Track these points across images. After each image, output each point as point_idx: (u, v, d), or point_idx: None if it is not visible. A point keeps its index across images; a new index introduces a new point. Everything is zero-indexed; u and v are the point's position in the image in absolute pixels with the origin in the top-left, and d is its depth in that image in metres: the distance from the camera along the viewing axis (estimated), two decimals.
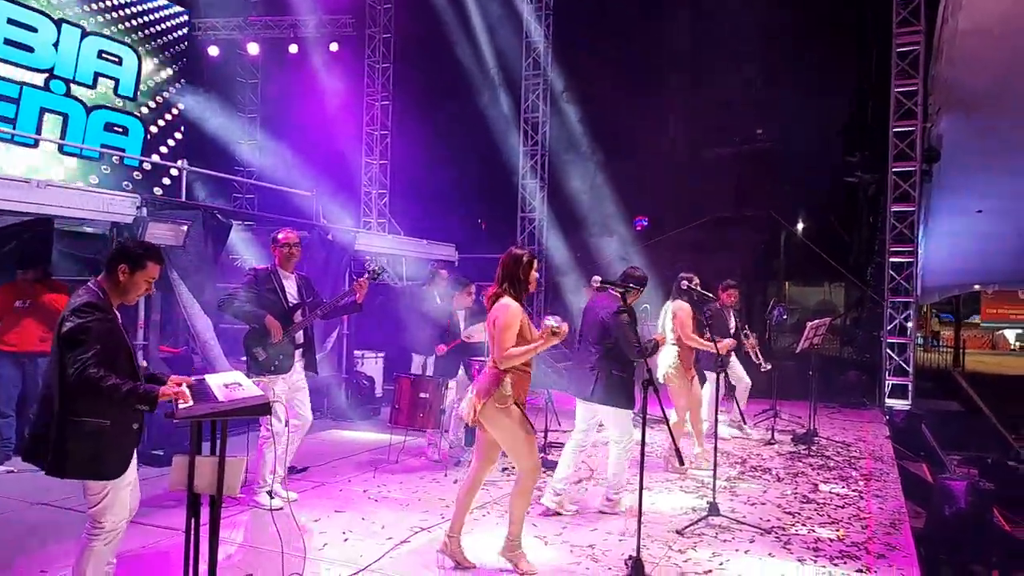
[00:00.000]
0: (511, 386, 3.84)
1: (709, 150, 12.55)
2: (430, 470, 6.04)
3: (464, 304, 6.51)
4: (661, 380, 6.18)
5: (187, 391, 3.15)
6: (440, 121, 14.09)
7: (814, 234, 14.06)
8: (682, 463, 4.29)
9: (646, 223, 15.25)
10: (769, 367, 7.80)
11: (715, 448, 5.19)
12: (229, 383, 3.42)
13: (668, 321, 6.17)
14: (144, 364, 5.32)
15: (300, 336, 5.05)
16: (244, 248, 8.51)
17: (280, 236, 5.03)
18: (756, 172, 12.69)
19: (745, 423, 7.70)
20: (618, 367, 4.77)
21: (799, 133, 12.85)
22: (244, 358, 5.05)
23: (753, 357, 7.64)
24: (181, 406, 3.05)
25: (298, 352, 5.04)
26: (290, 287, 5.06)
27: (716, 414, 5.58)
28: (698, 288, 5.61)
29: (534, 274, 3.97)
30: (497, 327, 3.82)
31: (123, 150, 11.07)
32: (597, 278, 4.37)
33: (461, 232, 12.64)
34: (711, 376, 7.54)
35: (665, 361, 6.23)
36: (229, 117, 12.95)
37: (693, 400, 6.29)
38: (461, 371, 6.47)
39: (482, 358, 6.22)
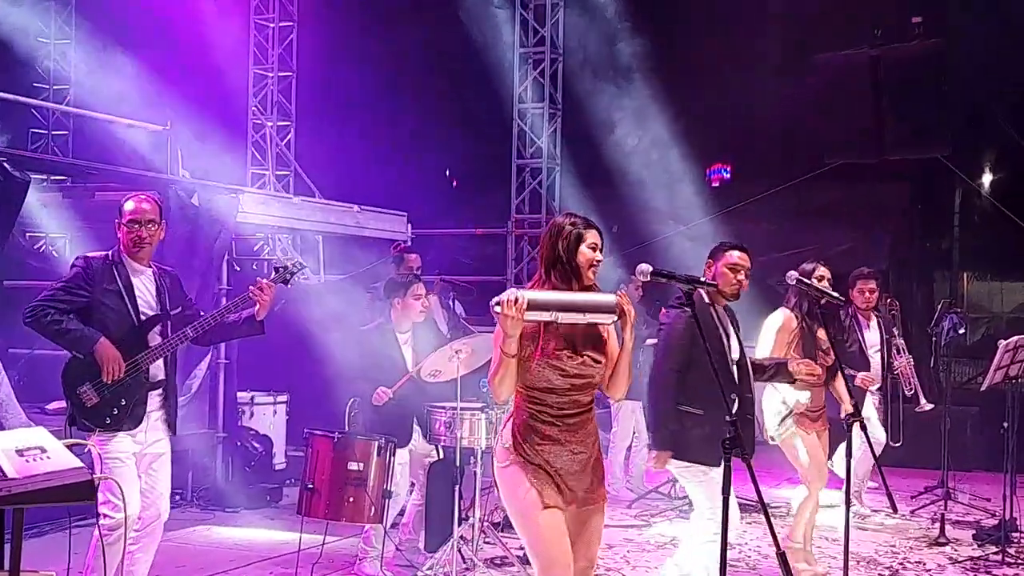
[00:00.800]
0: (514, 434, 3.91)
1: (829, 55, 12.57)
2: None
3: (406, 319, 6.45)
4: (773, 438, 6.20)
5: None
6: (381, 5, 14.10)
7: (1009, 192, 14.11)
8: (790, 574, 4.27)
9: (727, 176, 15.29)
10: (930, 407, 7.85)
11: (846, 549, 5.20)
12: (25, 448, 3.41)
13: (769, 340, 6.17)
14: None
15: (159, 369, 5.04)
16: (53, 220, 8.51)
17: (130, 205, 5.02)
18: (910, 91, 12.71)
19: (861, 502, 7.79)
20: (681, 399, 4.95)
21: (984, 25, 12.89)
22: (57, 404, 5.03)
23: (905, 388, 7.68)
24: None
25: (154, 396, 5.03)
26: (144, 288, 5.06)
27: (849, 490, 5.57)
28: (821, 285, 5.62)
29: (587, 252, 3.98)
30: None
31: None
32: (646, 267, 4.35)
33: (417, 193, 12.65)
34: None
35: (774, 408, 6.22)
36: (17, 2, 12.91)
37: (822, 466, 6.30)
38: (417, 432, 6.45)
39: (450, 405, 6.22)
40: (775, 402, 6.17)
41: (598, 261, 4.01)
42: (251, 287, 5.10)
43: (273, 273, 5.26)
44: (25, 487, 3.13)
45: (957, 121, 12.25)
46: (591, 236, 4.00)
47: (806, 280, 5.68)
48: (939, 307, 9.28)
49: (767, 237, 12.45)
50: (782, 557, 3.95)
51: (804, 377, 5.49)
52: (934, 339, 9.28)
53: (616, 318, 3.86)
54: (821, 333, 6.05)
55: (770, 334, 6.09)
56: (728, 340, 5.12)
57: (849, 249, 12.35)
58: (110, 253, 5.03)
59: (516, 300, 3.68)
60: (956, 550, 7.30)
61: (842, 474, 7.73)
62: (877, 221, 13.72)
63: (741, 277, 5.17)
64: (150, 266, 5.09)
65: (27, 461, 3.29)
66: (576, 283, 3.94)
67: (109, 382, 4.81)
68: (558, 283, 3.94)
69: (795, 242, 12.14)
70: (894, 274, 12.94)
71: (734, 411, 4.86)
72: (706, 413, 4.95)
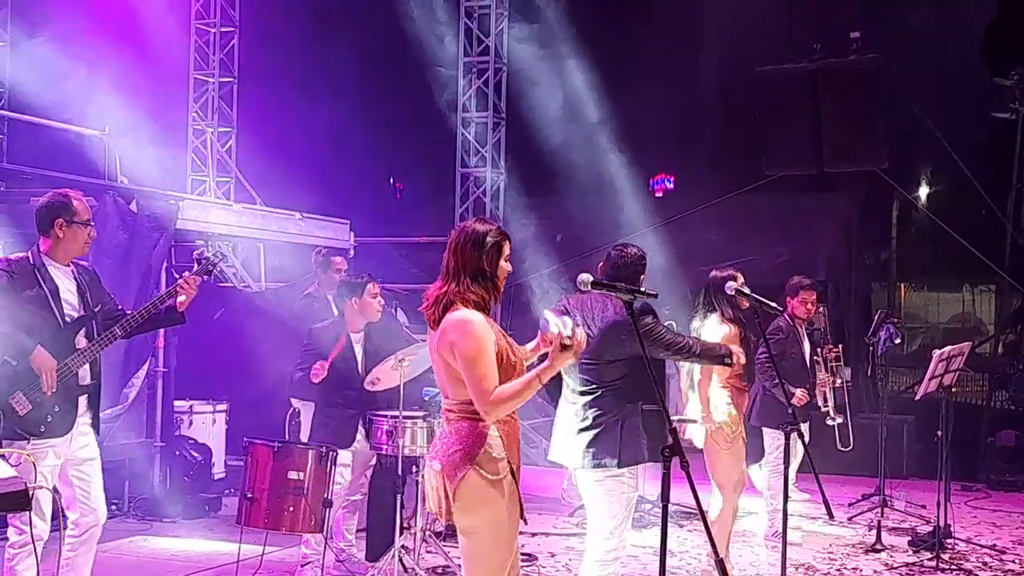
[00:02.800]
0: (504, 442, 3.86)
1: (771, 68, 12.76)
2: None
3: (366, 318, 6.50)
4: (696, 442, 6.26)
5: None
6: (324, 9, 14.04)
7: (945, 205, 14.41)
8: None
9: (671, 186, 15.44)
10: (838, 421, 7.96)
11: (783, 557, 5.27)
12: None
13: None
14: None
15: (86, 372, 4.98)
16: None
17: (81, 205, 4.98)
18: (848, 104, 12.95)
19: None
20: (645, 401, 4.92)
21: (920, 39, 13.16)
22: None
23: (820, 400, 7.78)
24: None
25: (82, 400, 4.98)
26: (66, 288, 4.99)
27: (786, 498, 5.65)
28: (750, 292, 5.70)
29: (505, 264, 3.96)
30: (460, 356, 3.78)
31: None
32: (586, 276, 4.39)
33: (360, 200, 12.63)
34: (771, 437, 7.66)
35: (702, 412, 6.30)
36: None
37: (742, 477, 6.39)
38: (361, 434, 6.45)
39: (392, 413, 6.22)
40: (713, 406, 6.23)
41: (510, 272, 4.05)
42: (179, 278, 5.16)
43: (195, 266, 5.25)
44: None
45: (895, 135, 12.48)
46: (507, 247, 3.97)
47: (745, 291, 5.75)
48: (876, 317, 9.43)
49: (709, 247, 12.59)
50: (720, 564, 4.00)
51: (737, 363, 5.56)
52: (871, 348, 9.43)
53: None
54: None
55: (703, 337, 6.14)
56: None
57: (788, 260, 12.53)
58: (30, 255, 4.95)
59: (581, 336, 3.73)
60: (892, 556, 7.43)
61: (758, 484, 7.88)
62: (816, 232, 13.93)
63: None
64: (68, 265, 5.03)
65: None
66: (494, 295, 3.92)
67: (48, 391, 4.74)
68: (469, 292, 3.87)
69: (736, 252, 12.28)
70: (832, 284, 13.12)
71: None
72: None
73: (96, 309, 5.03)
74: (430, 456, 4.04)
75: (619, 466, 4.89)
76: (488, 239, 3.92)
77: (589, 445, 4.94)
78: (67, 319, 4.91)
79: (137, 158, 10.39)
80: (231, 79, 13.34)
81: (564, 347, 3.71)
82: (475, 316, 3.83)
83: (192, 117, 13.33)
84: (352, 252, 10.56)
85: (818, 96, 12.11)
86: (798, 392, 7.23)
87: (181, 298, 5.10)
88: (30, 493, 3.24)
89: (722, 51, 14.65)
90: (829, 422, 8.00)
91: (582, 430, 4.98)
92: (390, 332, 6.71)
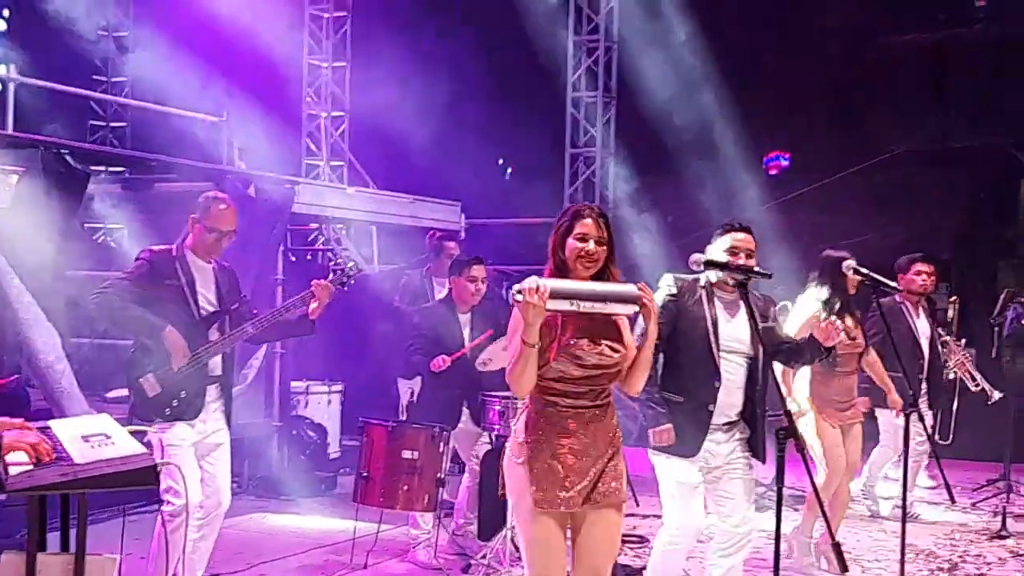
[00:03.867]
0: (528, 428, 3.82)
1: (891, 39, 12.43)
2: None
3: (467, 301, 6.57)
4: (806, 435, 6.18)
5: (32, 442, 3.24)
6: None
7: None
8: (845, 569, 4.28)
9: (785, 164, 15.16)
10: (999, 396, 7.77)
11: (902, 542, 5.18)
12: (90, 434, 3.52)
13: (793, 328, 6.13)
14: None
15: (217, 364, 5.15)
16: (110, 212, 8.68)
17: (215, 211, 5.10)
18: (974, 76, 12.54)
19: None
20: (669, 388, 4.87)
21: None
22: (116, 392, 5.16)
23: (969, 382, 7.59)
24: (14, 470, 3.15)
25: (212, 388, 5.15)
26: (205, 284, 5.17)
27: (905, 483, 5.55)
28: (867, 272, 5.58)
29: (573, 243, 3.84)
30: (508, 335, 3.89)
31: None
32: (699, 256, 4.38)
33: (471, 182, 12.71)
34: (885, 419, 7.52)
35: (800, 398, 6.24)
36: None
37: (841, 460, 6.26)
38: (465, 415, 6.54)
39: (504, 394, 6.29)
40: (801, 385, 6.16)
41: (586, 252, 3.82)
42: (313, 283, 5.22)
43: (331, 275, 5.41)
44: (90, 472, 3.23)
45: (1022, 107, 12.05)
46: (581, 226, 3.83)
47: (862, 270, 5.65)
48: (1002, 297, 9.16)
49: (825, 226, 12.34)
50: (836, 547, 3.97)
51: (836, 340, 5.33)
52: (996, 329, 9.16)
53: (637, 309, 3.76)
54: (849, 321, 6.02)
55: (798, 321, 6.03)
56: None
57: (909, 238, 12.21)
58: (174, 248, 5.14)
59: (538, 288, 3.55)
60: (1018, 543, 7.24)
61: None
62: (939, 210, 13.53)
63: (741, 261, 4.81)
64: (210, 262, 5.20)
65: (92, 447, 3.40)
66: (568, 277, 3.81)
67: (176, 369, 4.92)
68: (555, 276, 3.83)
69: (853, 231, 12.03)
70: (956, 263, 12.75)
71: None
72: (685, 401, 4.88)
73: (232, 307, 5.21)
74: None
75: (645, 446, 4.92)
76: (560, 221, 3.91)
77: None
78: (202, 312, 5.10)
79: (254, 142, 10.66)
80: (344, 64, 13.55)
81: (516, 302, 3.61)
82: None
83: (306, 102, 13.59)
84: (463, 234, 10.66)
85: (942, 68, 11.76)
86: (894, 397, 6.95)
87: (313, 305, 5.20)
88: (158, 469, 3.37)
89: (842, 22, 14.26)
90: (990, 403, 7.84)
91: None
92: (497, 313, 6.79)
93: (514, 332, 3.76)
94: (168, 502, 4.92)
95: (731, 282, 4.80)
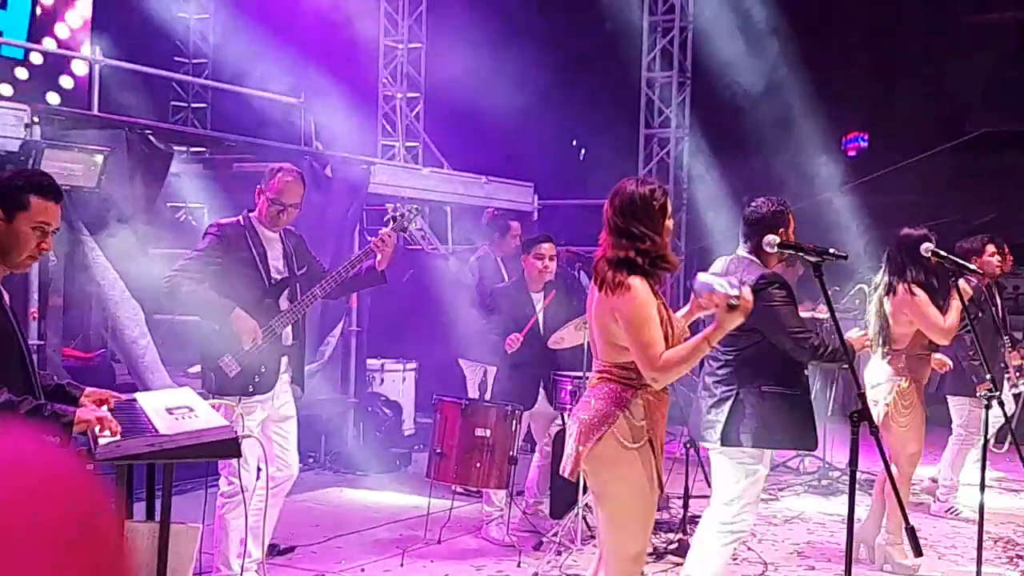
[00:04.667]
0: (647, 412, 3.85)
1: (974, 17, 12.14)
2: (494, 556, 6.18)
3: (537, 280, 6.60)
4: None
5: (99, 416, 3.34)
6: None
7: None
8: (920, 552, 4.25)
9: (864, 144, 14.93)
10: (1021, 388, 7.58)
11: (980, 529, 5.12)
12: (174, 407, 3.64)
13: (879, 311, 6.03)
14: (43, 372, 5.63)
15: (288, 334, 5.21)
16: (193, 191, 8.85)
17: (279, 183, 5.11)
18: None
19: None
20: (766, 382, 4.76)
21: None
22: (197, 368, 5.28)
23: (1012, 377, 7.42)
24: (103, 440, 3.26)
25: (284, 360, 5.22)
26: (274, 253, 5.22)
27: (983, 469, 5.47)
28: (946, 254, 5.48)
29: (669, 224, 3.93)
30: (625, 321, 3.78)
31: None
32: (773, 238, 4.36)
33: (544, 162, 12.74)
34: (958, 406, 7.39)
35: (878, 381, 6.11)
36: None
37: (922, 448, 6.18)
38: (542, 395, 6.58)
39: (575, 374, 6.32)
40: (884, 375, 6.06)
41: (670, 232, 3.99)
42: (373, 239, 5.27)
43: (391, 223, 5.35)
44: (176, 443, 3.33)
45: None
46: (670, 205, 3.98)
47: (941, 252, 5.54)
48: None
49: (906, 208, 12.14)
50: (911, 531, 3.93)
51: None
52: None
53: None
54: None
55: (929, 309, 5.92)
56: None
57: (992, 220, 11.95)
58: (241, 219, 5.19)
59: (747, 294, 3.70)
60: None
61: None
62: (1022, 191, 13.23)
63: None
64: (278, 231, 5.24)
65: (176, 419, 3.50)
66: (661, 256, 3.88)
67: (248, 348, 5.00)
68: (634, 259, 3.83)
69: (935, 213, 11.81)
70: None
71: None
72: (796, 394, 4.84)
73: (301, 272, 5.25)
74: (571, 415, 4.08)
75: (722, 444, 4.76)
76: (654, 202, 3.90)
77: (704, 416, 4.87)
78: (272, 281, 5.14)
79: (331, 124, 10.79)
80: (419, 45, 13.63)
81: (731, 307, 3.67)
82: (636, 282, 3.80)
83: (382, 83, 13.70)
84: (536, 215, 10.69)
85: None
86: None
87: (379, 256, 5.23)
88: (239, 442, 3.46)
89: (924, 1, 14.00)
90: (1015, 390, 7.68)
91: (704, 399, 4.91)
92: (569, 293, 6.82)
93: (646, 321, 3.75)
94: (228, 479, 5.03)
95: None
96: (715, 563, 4.86)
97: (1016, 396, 7.77)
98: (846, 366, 4.94)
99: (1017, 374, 7.52)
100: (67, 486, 0.91)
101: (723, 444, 4.75)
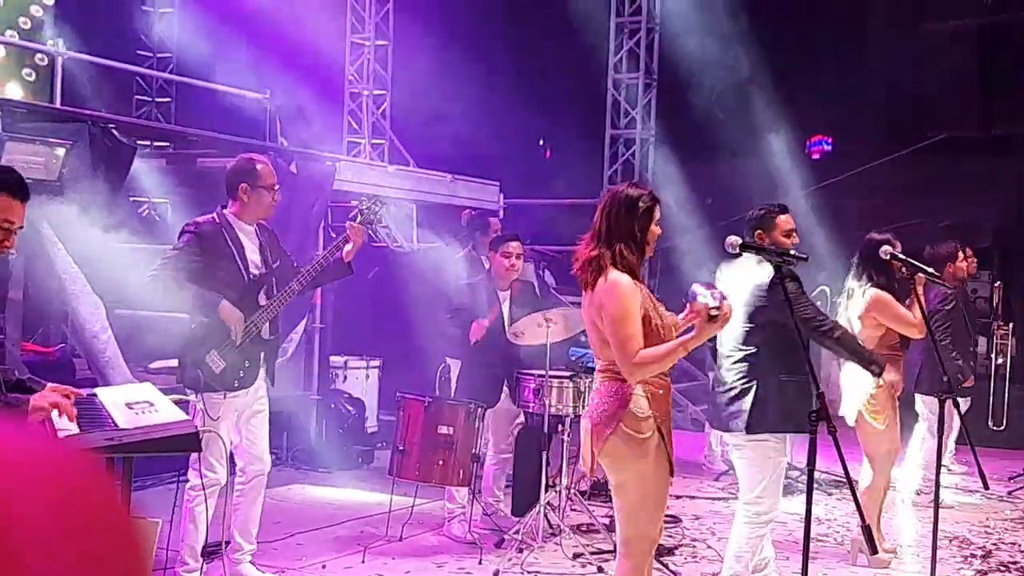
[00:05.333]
0: (651, 402, 3.97)
1: (936, 24, 12.29)
2: (455, 554, 6.20)
3: (504, 277, 6.62)
4: (848, 419, 6.13)
5: (52, 402, 3.31)
6: None
7: None
8: (875, 551, 4.34)
9: (828, 148, 15.05)
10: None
11: (935, 527, 5.19)
12: (134, 401, 3.62)
13: (854, 314, 6.12)
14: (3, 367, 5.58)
15: (266, 329, 5.23)
16: (156, 185, 8.79)
17: (264, 169, 5.21)
18: (1020, 61, 12.38)
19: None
20: (782, 371, 4.88)
21: None
22: (158, 363, 5.26)
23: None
24: (62, 434, 3.24)
25: (262, 354, 5.25)
26: (251, 248, 5.24)
27: (938, 468, 5.55)
28: (906, 258, 5.55)
29: (656, 228, 4.07)
30: (607, 318, 3.90)
31: None
32: (735, 239, 4.39)
33: (509, 163, 12.76)
34: (925, 405, 7.49)
35: (855, 385, 6.17)
36: None
37: (897, 450, 6.26)
38: (505, 393, 6.60)
39: (539, 372, 6.34)
40: (863, 380, 6.10)
41: (657, 237, 4.12)
42: (347, 224, 5.38)
43: (358, 216, 5.43)
44: (135, 437, 3.33)
45: None
46: (658, 212, 4.09)
47: (900, 256, 5.62)
48: None
49: (867, 212, 12.27)
50: (867, 530, 3.99)
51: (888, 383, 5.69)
52: None
53: None
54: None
55: (857, 304, 6.01)
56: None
57: (952, 226, 12.10)
58: (216, 215, 5.19)
59: (731, 308, 3.82)
60: None
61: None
62: (985, 197, 13.40)
63: None
64: (253, 224, 5.26)
65: (136, 414, 3.50)
66: (640, 258, 4.05)
67: (239, 343, 5.01)
68: (620, 256, 3.96)
69: (898, 217, 11.95)
70: (999, 252, 12.62)
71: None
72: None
73: (275, 266, 5.28)
74: (583, 415, 4.21)
75: (748, 432, 4.89)
76: (641, 204, 4.01)
77: (725, 409, 4.99)
78: (252, 276, 5.16)
79: (295, 121, 10.76)
80: (386, 43, 13.61)
81: (711, 318, 3.78)
82: (623, 279, 3.93)
83: (348, 80, 13.67)
84: (501, 213, 10.71)
85: (987, 53, 11.62)
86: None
87: (348, 247, 5.29)
88: (200, 437, 3.46)
89: (887, 6, 14.14)
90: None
91: (722, 393, 5.04)
92: (533, 291, 6.84)
93: (625, 317, 3.86)
94: (199, 473, 5.02)
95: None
96: (750, 552, 5.01)
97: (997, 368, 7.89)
98: (875, 372, 5.34)
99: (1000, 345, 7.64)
100: (72, 474, 0.91)
101: (749, 432, 4.90)
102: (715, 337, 5.01)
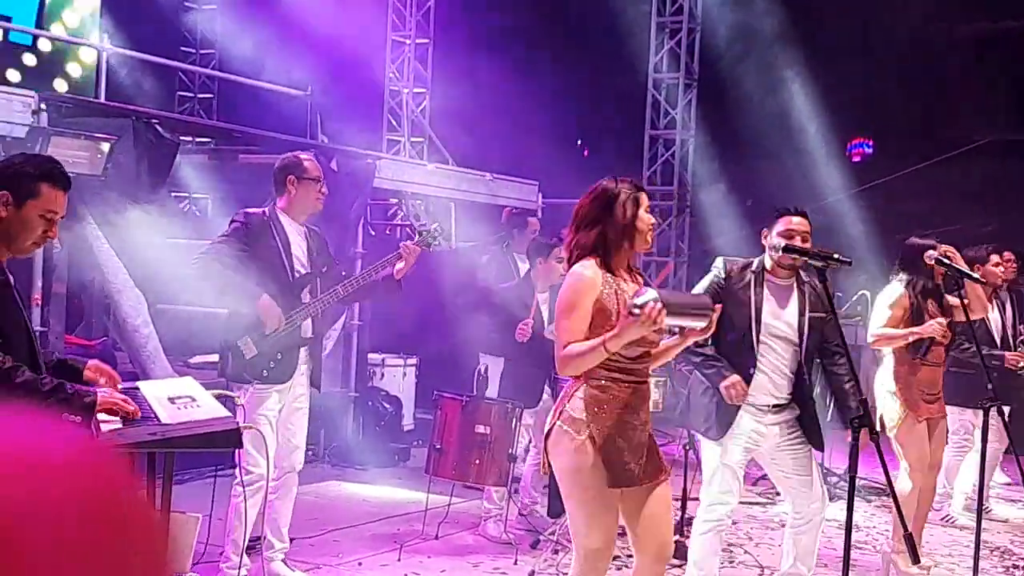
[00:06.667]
0: (587, 405, 3.80)
1: (975, 26, 12.14)
2: (490, 554, 6.19)
3: (549, 281, 6.62)
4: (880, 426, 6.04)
5: (120, 400, 3.34)
6: None
7: None
8: (917, 560, 4.27)
9: (869, 151, 14.93)
10: None
11: (977, 538, 5.13)
12: (176, 396, 3.63)
13: (881, 316, 6.01)
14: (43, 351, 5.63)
15: (308, 327, 5.24)
16: (197, 181, 8.86)
17: (311, 164, 5.24)
18: None
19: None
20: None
21: None
22: (199, 358, 5.30)
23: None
24: (105, 427, 3.26)
25: (303, 352, 5.23)
26: (298, 245, 5.24)
27: (982, 478, 5.48)
28: (951, 263, 5.48)
29: (646, 216, 3.91)
30: (557, 306, 3.89)
31: (8, 19, 11.67)
32: (779, 242, 4.37)
33: (548, 162, 12.74)
34: (965, 416, 7.38)
35: (884, 390, 6.09)
36: None
37: (925, 457, 6.13)
38: (547, 394, 6.59)
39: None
40: (888, 383, 6.03)
41: (652, 226, 4.00)
42: (402, 244, 5.36)
43: (417, 236, 5.48)
44: (177, 432, 3.34)
45: None
46: (644, 198, 3.94)
47: (945, 261, 5.55)
48: None
49: (909, 215, 12.14)
50: (909, 539, 3.94)
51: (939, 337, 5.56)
52: None
53: (704, 325, 3.81)
54: (934, 309, 5.88)
55: (884, 308, 5.95)
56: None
57: (995, 230, 11.94)
58: (266, 210, 5.21)
59: (659, 309, 3.53)
60: None
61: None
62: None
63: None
64: (302, 224, 5.29)
65: (178, 408, 3.50)
66: (620, 251, 3.89)
67: (269, 333, 5.02)
68: (594, 249, 3.86)
69: (939, 221, 11.81)
70: None
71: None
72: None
73: (323, 270, 5.29)
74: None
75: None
76: (621, 194, 3.87)
77: (694, 404, 5.05)
78: (296, 273, 5.16)
79: (336, 118, 10.80)
80: (427, 41, 13.63)
81: (630, 314, 3.58)
82: (582, 269, 3.82)
83: (389, 78, 13.71)
84: (540, 213, 10.69)
85: None
86: (1009, 355, 6.77)
87: (399, 265, 5.28)
88: (241, 432, 3.47)
89: (927, 8, 13.99)
90: None
91: (696, 391, 5.07)
92: None
93: (569, 309, 3.77)
94: (246, 470, 5.05)
95: (783, 268, 4.87)
96: (696, 552, 4.99)
97: None
98: None
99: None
100: (95, 470, 0.91)
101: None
102: None
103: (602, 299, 3.79)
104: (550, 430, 3.88)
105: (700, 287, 5.04)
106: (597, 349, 3.68)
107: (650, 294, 3.57)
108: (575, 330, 3.76)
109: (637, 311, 3.55)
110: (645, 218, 3.90)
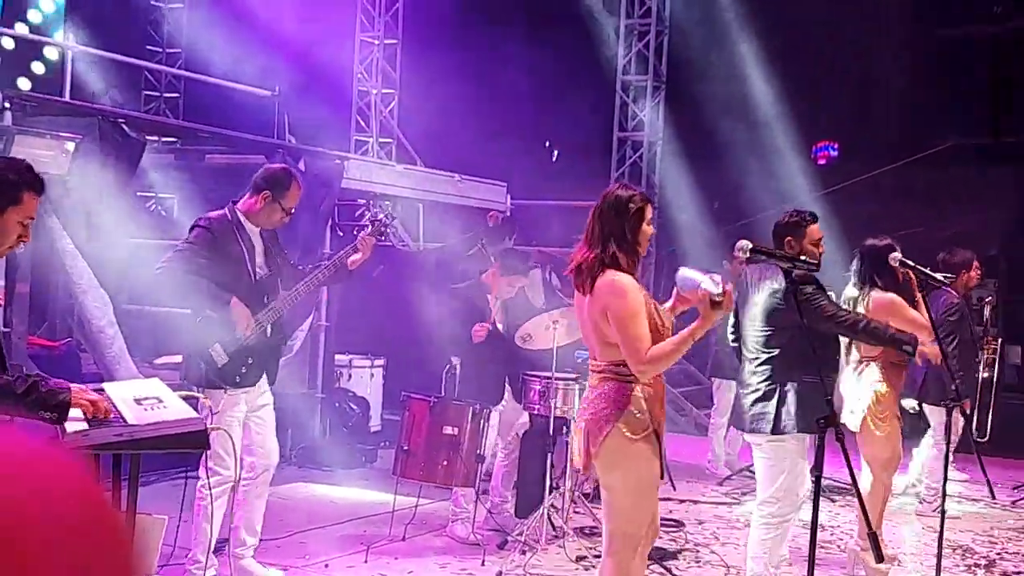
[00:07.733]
0: (648, 404, 3.98)
1: (944, 31, 12.27)
2: (458, 555, 6.19)
3: (503, 294, 6.61)
4: (850, 425, 6.07)
5: (93, 399, 3.30)
6: None
7: None
8: (881, 559, 4.30)
9: (834, 154, 15.05)
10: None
11: (940, 535, 5.17)
12: (143, 397, 3.60)
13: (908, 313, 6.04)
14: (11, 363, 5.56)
15: (270, 329, 5.25)
16: (163, 181, 8.78)
17: (295, 189, 5.21)
18: None
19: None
20: (804, 373, 4.87)
21: None
22: (164, 359, 5.25)
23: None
24: (70, 427, 3.23)
25: (264, 353, 5.26)
26: (258, 249, 5.26)
27: (946, 477, 5.53)
28: (914, 264, 5.52)
29: (648, 228, 4.07)
30: (614, 318, 3.91)
31: None
32: (745, 243, 4.37)
33: (517, 164, 12.75)
34: (934, 413, 7.46)
35: (857, 391, 6.13)
36: None
37: (899, 456, 6.20)
38: (508, 394, 6.59)
39: (545, 374, 6.32)
40: (864, 385, 6.06)
41: (650, 236, 4.17)
42: (360, 237, 5.40)
43: (369, 227, 5.50)
44: (144, 433, 3.31)
45: None
46: (649, 211, 4.11)
47: (909, 263, 5.59)
48: None
49: (872, 218, 12.24)
50: (873, 536, 3.98)
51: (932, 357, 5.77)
52: None
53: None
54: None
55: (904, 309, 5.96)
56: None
57: (957, 234, 12.07)
58: (227, 211, 5.19)
59: (730, 290, 3.85)
60: None
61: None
62: (990, 205, 13.37)
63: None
64: (259, 227, 5.27)
65: (145, 410, 3.48)
66: (635, 259, 4.08)
67: (239, 335, 5.01)
68: (617, 257, 3.99)
69: (901, 224, 11.90)
70: (1005, 261, 12.59)
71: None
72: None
73: (279, 270, 5.30)
74: (577, 415, 4.21)
75: (773, 433, 4.94)
76: (631, 205, 4.02)
77: (749, 410, 5.05)
78: (258, 277, 5.18)
79: (304, 117, 10.75)
80: (395, 41, 13.60)
81: (713, 303, 3.79)
82: (626, 279, 3.96)
83: (357, 78, 13.66)
84: (508, 214, 10.70)
85: (996, 62, 11.61)
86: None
87: (355, 256, 5.32)
88: (208, 434, 3.45)
89: (898, 13, 14.12)
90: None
91: (746, 395, 5.09)
92: (526, 297, 6.86)
93: (635, 315, 3.89)
94: (213, 471, 5.02)
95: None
96: (765, 554, 5.06)
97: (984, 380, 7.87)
98: (909, 351, 5.40)
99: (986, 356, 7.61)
100: (58, 472, 0.90)
101: (774, 433, 4.96)
102: (739, 339, 5.08)
103: (647, 304, 3.98)
104: (605, 438, 3.96)
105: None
106: (685, 341, 3.93)
107: (718, 278, 3.85)
108: (647, 335, 3.90)
109: (719, 298, 3.79)
110: (647, 229, 4.09)
